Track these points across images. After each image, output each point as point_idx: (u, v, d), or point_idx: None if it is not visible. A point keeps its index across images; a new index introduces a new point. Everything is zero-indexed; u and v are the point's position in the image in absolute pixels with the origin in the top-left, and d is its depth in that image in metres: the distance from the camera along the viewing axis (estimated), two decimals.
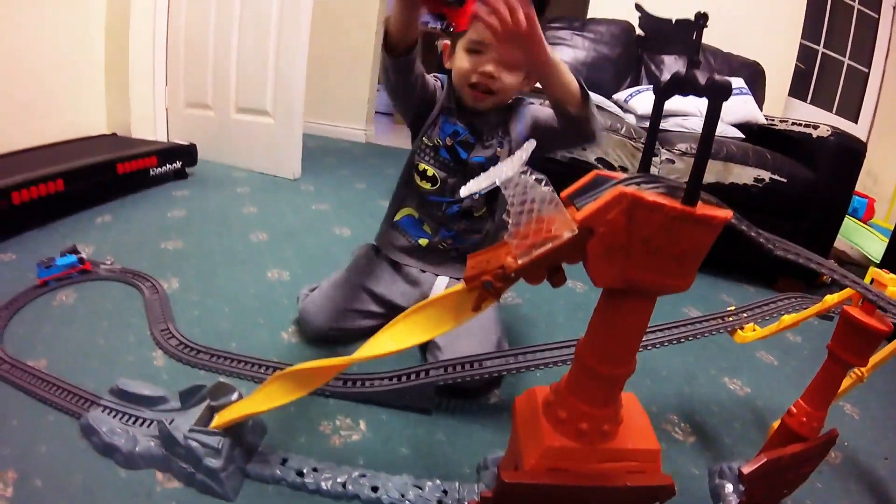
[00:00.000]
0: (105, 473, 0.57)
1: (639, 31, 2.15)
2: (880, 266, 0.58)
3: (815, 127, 1.64)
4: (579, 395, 0.44)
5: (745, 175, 1.53)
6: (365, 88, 3.07)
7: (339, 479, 0.58)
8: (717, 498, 0.60)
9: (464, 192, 0.42)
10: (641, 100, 1.89)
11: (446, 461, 0.67)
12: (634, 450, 0.45)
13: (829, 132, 1.58)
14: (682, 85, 0.37)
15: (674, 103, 1.60)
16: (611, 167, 1.57)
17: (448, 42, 0.86)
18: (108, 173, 1.45)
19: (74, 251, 1.00)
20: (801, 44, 2.51)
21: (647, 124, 1.41)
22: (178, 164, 1.74)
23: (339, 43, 2.96)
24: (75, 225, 1.27)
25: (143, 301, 0.94)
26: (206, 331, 0.88)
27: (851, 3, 2.69)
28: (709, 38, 2.08)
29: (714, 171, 1.53)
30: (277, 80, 1.92)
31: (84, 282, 0.98)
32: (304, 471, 0.58)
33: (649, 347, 0.78)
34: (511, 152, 0.88)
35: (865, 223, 2.11)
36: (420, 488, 0.58)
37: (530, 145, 0.42)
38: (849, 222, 2.02)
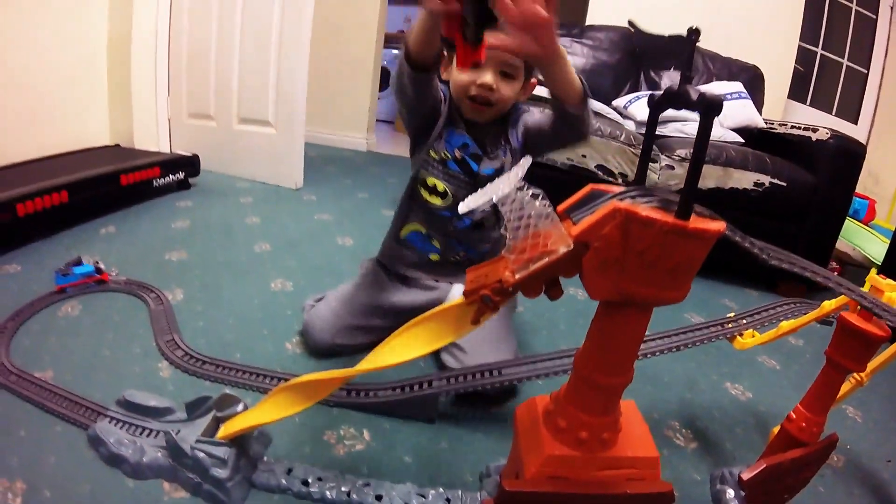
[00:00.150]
0: (112, 484, 0.58)
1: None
2: (880, 271, 0.59)
3: (815, 130, 1.64)
4: (578, 404, 0.44)
5: (745, 180, 1.54)
6: (366, 97, 3.08)
7: (343, 488, 0.58)
8: (718, 503, 0.60)
9: (462, 208, 0.43)
10: (640, 106, 1.89)
11: (449, 469, 0.68)
12: (634, 457, 0.46)
13: (829, 135, 1.58)
14: (675, 99, 0.38)
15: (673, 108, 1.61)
16: (610, 174, 1.58)
17: (445, 53, 0.86)
18: (112, 184, 1.46)
19: (79, 263, 1.01)
20: (799, 46, 2.52)
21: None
22: (181, 175, 1.75)
23: (339, 52, 2.98)
24: (80, 236, 1.28)
25: (149, 312, 0.95)
26: (211, 341, 0.89)
27: (849, 4, 2.69)
28: (707, 42, 2.08)
29: (714, 176, 1.53)
30: (279, 89, 1.93)
31: (90, 293, 0.99)
32: (309, 480, 0.59)
33: (648, 356, 0.79)
34: (513, 161, 0.88)
35: (867, 225, 2.10)
36: (423, 496, 0.59)
37: (527, 161, 0.43)
38: (850, 224, 2.01)
